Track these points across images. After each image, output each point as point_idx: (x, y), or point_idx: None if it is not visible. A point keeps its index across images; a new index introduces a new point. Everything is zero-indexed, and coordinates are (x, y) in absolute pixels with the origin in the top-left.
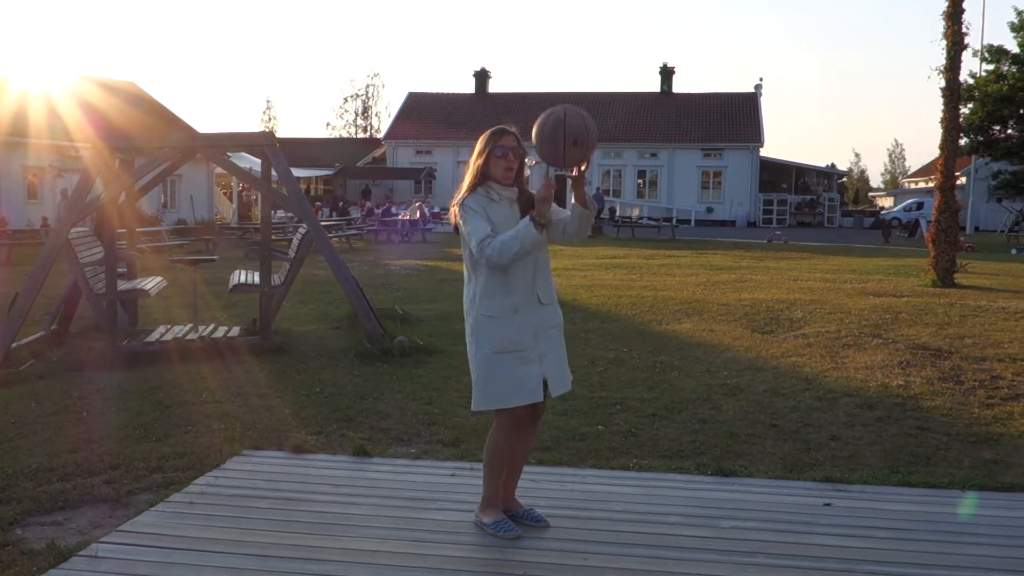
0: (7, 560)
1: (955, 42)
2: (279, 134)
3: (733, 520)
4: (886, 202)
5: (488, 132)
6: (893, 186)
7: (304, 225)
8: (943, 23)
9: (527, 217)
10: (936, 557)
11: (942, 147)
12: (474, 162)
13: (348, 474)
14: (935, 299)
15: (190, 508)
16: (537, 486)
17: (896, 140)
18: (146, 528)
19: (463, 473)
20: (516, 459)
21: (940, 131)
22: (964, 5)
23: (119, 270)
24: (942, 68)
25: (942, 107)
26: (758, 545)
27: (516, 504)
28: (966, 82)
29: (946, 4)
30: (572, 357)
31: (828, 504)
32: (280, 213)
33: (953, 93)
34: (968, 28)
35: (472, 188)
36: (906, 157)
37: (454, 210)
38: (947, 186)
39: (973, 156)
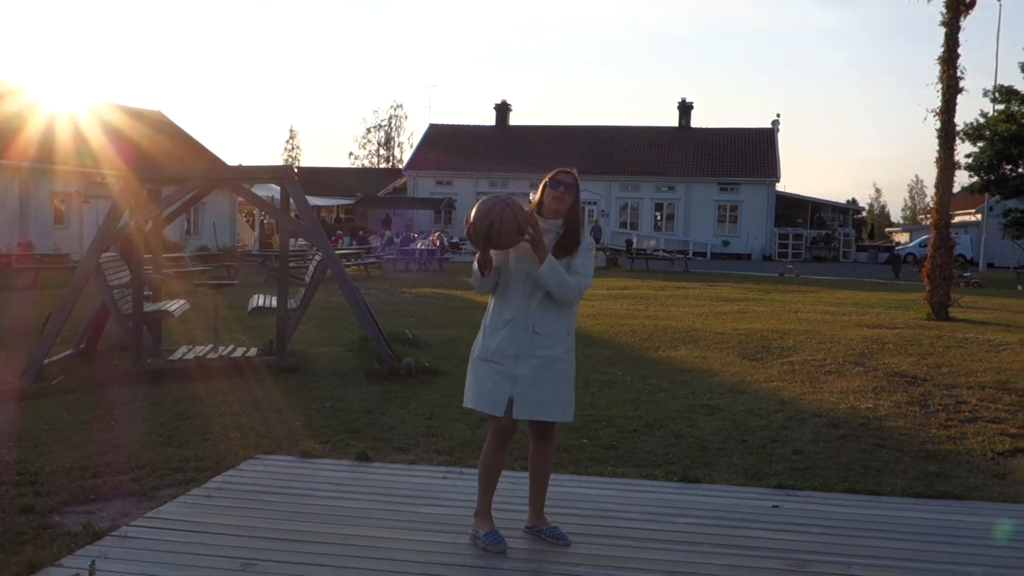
0: (48, 538)
1: (950, 86)
2: (302, 163)
3: (688, 517)
4: (902, 237)
5: (553, 171)
6: (913, 222)
7: (319, 252)
8: (939, 67)
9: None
10: (858, 550)
11: (937, 186)
12: (537, 195)
13: (350, 475)
14: (925, 331)
15: (208, 500)
16: (516, 487)
17: (916, 176)
18: (169, 515)
19: (453, 476)
20: (534, 477)
21: (936, 171)
22: (976, 46)
23: (145, 293)
24: (938, 110)
25: (937, 148)
26: (704, 537)
27: (542, 521)
28: (977, 121)
29: (941, 49)
30: None
31: (776, 506)
32: (300, 241)
33: (948, 135)
34: (964, 73)
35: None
36: (926, 193)
37: None
38: (942, 223)
39: (986, 194)
